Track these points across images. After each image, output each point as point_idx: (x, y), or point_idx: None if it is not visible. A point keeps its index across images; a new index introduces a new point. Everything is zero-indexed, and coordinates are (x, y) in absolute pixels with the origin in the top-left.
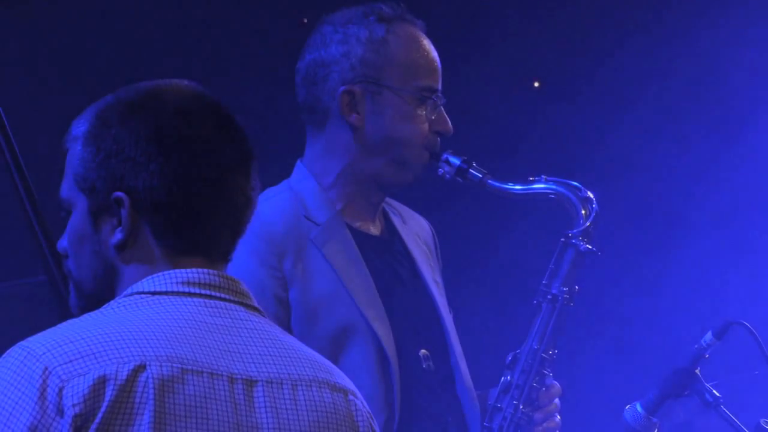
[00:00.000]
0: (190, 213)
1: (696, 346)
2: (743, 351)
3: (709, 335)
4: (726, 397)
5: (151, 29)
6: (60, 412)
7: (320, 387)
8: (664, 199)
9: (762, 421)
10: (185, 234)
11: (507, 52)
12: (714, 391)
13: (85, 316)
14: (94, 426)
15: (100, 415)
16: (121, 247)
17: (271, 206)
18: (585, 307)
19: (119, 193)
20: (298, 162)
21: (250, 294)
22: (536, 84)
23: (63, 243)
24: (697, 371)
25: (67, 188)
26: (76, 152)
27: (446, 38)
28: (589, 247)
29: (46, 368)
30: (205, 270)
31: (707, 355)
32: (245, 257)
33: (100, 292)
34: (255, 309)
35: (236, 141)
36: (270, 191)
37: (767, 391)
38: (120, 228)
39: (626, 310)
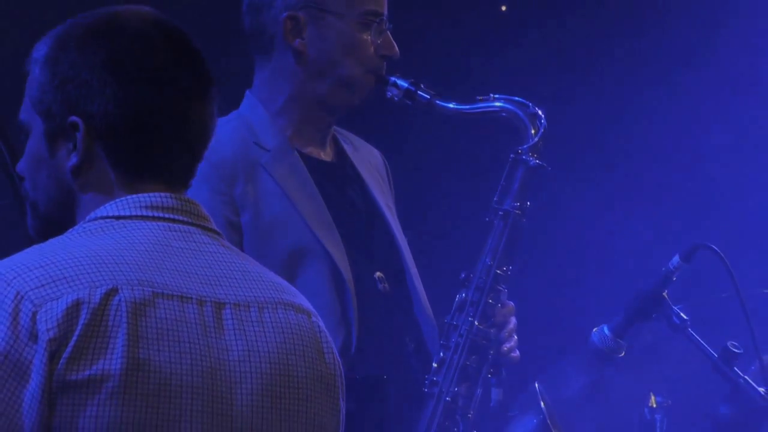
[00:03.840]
0: (146, 139)
1: (663, 269)
2: (710, 274)
3: (676, 258)
4: (693, 320)
5: None
6: (33, 337)
7: (285, 309)
8: (633, 120)
9: (729, 343)
10: (141, 160)
11: None
12: (681, 314)
13: (52, 241)
14: (68, 350)
15: (74, 339)
16: (76, 171)
17: (221, 134)
18: (550, 230)
19: (74, 118)
20: (247, 92)
21: (210, 218)
22: (503, 8)
23: (21, 165)
24: (665, 294)
25: (24, 111)
26: (35, 75)
27: None
28: (539, 162)
29: (18, 293)
30: (167, 194)
31: (675, 278)
32: (196, 183)
33: (56, 215)
34: (215, 233)
35: (194, 67)
36: (219, 121)
37: (734, 314)
38: (75, 152)
39: (594, 232)
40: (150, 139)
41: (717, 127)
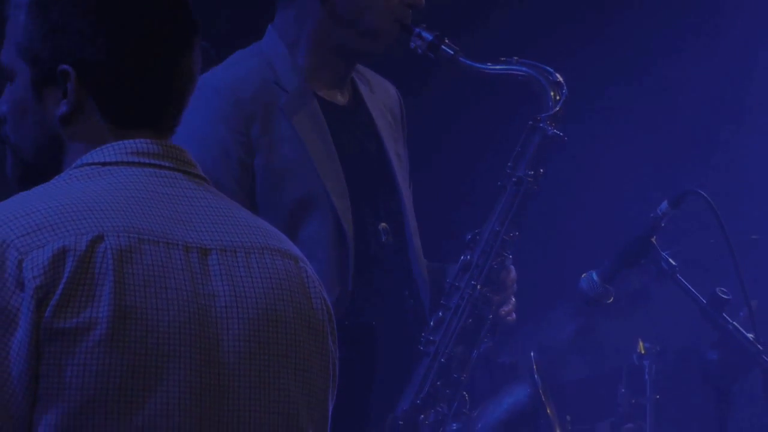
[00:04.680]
0: (137, 87)
1: (652, 214)
2: (699, 220)
3: (665, 204)
4: (682, 266)
5: None
6: (20, 285)
7: (272, 254)
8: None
9: (718, 289)
10: (131, 108)
11: None
12: (670, 260)
13: (37, 189)
14: (55, 298)
15: (60, 287)
16: (65, 119)
17: (241, 71)
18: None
19: (65, 66)
20: (270, 27)
21: (196, 163)
22: None
23: (2, 108)
24: (653, 240)
25: (7, 55)
26: (19, 21)
27: None
28: (557, 132)
29: (4, 241)
30: (152, 140)
31: (663, 224)
32: (212, 121)
33: (43, 163)
34: (201, 178)
35: (182, 16)
36: (240, 54)
37: (723, 260)
38: (65, 101)
39: (583, 179)
40: (140, 87)
41: (711, 75)
